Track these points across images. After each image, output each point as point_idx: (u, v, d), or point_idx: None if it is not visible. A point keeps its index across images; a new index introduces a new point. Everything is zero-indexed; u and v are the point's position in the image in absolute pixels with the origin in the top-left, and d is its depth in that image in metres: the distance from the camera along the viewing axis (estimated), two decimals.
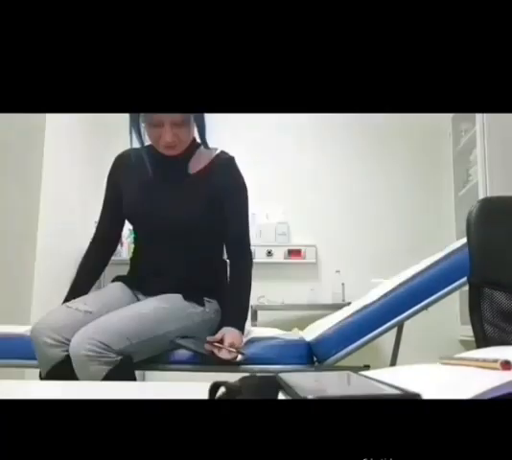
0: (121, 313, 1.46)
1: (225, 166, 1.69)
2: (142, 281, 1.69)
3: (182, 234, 1.64)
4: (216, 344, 1.52)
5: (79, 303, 1.53)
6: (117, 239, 1.82)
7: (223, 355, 1.51)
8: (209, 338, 1.54)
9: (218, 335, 1.55)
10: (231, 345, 1.53)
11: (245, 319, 1.67)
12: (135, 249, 1.78)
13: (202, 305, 1.63)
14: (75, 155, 3.45)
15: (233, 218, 1.71)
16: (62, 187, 3.25)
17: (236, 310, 1.66)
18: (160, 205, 1.64)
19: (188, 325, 1.57)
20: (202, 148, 1.71)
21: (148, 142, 1.66)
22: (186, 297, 1.60)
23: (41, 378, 1.45)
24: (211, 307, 1.66)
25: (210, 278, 1.71)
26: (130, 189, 1.70)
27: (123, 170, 1.73)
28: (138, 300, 1.67)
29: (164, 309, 1.52)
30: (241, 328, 1.61)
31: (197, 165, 1.67)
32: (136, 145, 1.68)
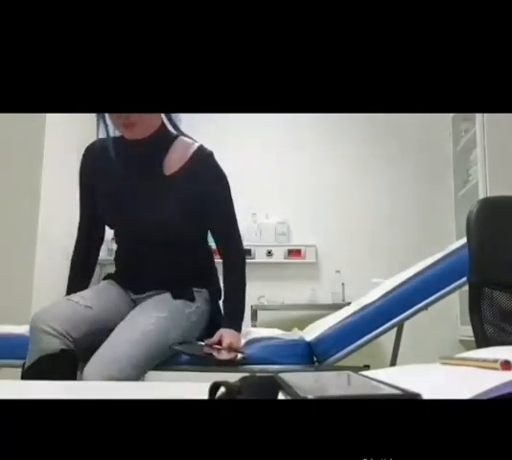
0: (129, 337, 1.42)
1: (204, 164, 1.60)
2: (129, 279, 1.68)
3: (159, 237, 1.61)
4: (215, 346, 1.52)
5: (79, 297, 1.53)
6: (101, 234, 1.79)
7: (223, 356, 1.51)
8: (207, 341, 1.55)
9: (215, 337, 1.55)
10: (230, 345, 1.53)
11: (242, 318, 1.66)
12: (117, 248, 1.77)
13: (193, 299, 1.61)
14: (75, 154, 3.45)
15: (219, 218, 1.67)
16: (63, 187, 3.25)
17: (232, 310, 1.65)
18: (134, 210, 1.58)
19: (188, 326, 1.57)
20: (180, 139, 1.62)
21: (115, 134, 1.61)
22: (175, 295, 1.59)
23: (23, 370, 1.42)
24: (201, 297, 1.65)
25: (195, 267, 1.69)
26: (102, 188, 1.64)
27: (93, 166, 1.66)
28: (132, 300, 1.66)
29: (165, 318, 1.50)
30: (238, 328, 1.61)
31: (173, 164, 1.58)
32: (103, 136, 1.62)
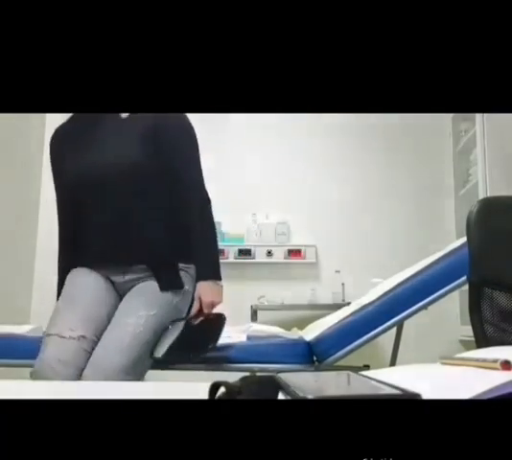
0: (120, 344, 1.37)
1: None
2: (105, 260, 1.54)
3: (119, 181, 1.47)
4: (200, 317, 1.49)
5: (68, 330, 1.42)
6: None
7: (209, 311, 1.52)
8: (192, 315, 1.52)
9: (196, 304, 1.51)
10: (212, 305, 1.51)
11: (218, 264, 1.56)
12: (77, 223, 1.60)
13: (181, 286, 1.52)
14: None
15: (181, 164, 1.54)
16: None
17: (206, 258, 1.54)
18: (90, 155, 1.49)
19: (175, 314, 1.52)
20: None
21: None
22: (163, 286, 1.49)
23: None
24: (188, 277, 1.55)
25: (177, 233, 1.54)
26: (63, 152, 1.58)
27: (58, 143, 1.62)
28: (113, 287, 1.55)
29: (154, 316, 1.45)
30: (216, 276, 1.53)
31: None
32: None
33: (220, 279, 1.54)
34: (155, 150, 1.49)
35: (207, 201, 1.58)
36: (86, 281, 1.55)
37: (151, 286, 1.50)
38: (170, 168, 1.52)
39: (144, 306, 1.47)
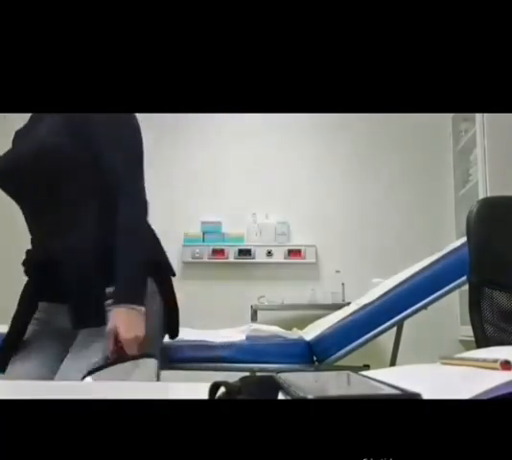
0: None
1: None
2: (44, 299, 1.31)
3: (39, 169, 1.23)
4: (119, 353, 1.16)
5: None
6: None
7: (133, 351, 1.16)
8: (108, 349, 1.18)
9: (110, 340, 1.16)
10: (134, 340, 1.15)
11: (142, 285, 1.22)
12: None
13: (102, 322, 1.20)
14: None
15: (112, 158, 1.23)
16: None
17: (125, 276, 1.19)
18: (15, 147, 1.32)
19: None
20: None
21: None
22: (78, 324, 1.21)
23: None
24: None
25: (108, 259, 1.20)
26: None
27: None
28: (65, 334, 1.28)
29: (97, 362, 1.16)
30: (134, 299, 1.17)
31: None
32: None
33: (141, 304, 1.18)
34: (75, 140, 1.22)
35: (143, 210, 1.26)
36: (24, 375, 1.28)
37: (87, 335, 1.23)
38: (96, 165, 1.24)
39: (85, 355, 1.19)
